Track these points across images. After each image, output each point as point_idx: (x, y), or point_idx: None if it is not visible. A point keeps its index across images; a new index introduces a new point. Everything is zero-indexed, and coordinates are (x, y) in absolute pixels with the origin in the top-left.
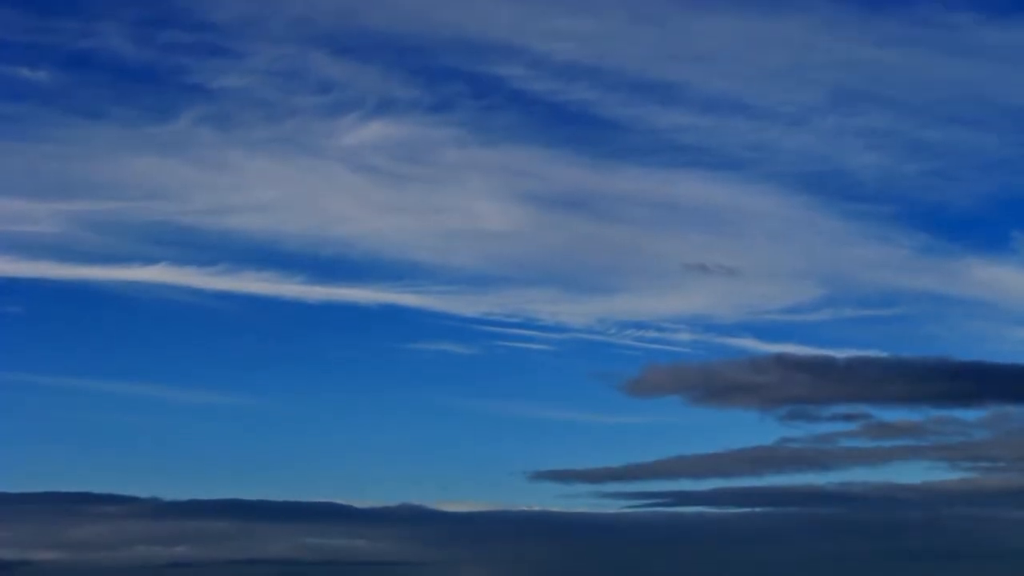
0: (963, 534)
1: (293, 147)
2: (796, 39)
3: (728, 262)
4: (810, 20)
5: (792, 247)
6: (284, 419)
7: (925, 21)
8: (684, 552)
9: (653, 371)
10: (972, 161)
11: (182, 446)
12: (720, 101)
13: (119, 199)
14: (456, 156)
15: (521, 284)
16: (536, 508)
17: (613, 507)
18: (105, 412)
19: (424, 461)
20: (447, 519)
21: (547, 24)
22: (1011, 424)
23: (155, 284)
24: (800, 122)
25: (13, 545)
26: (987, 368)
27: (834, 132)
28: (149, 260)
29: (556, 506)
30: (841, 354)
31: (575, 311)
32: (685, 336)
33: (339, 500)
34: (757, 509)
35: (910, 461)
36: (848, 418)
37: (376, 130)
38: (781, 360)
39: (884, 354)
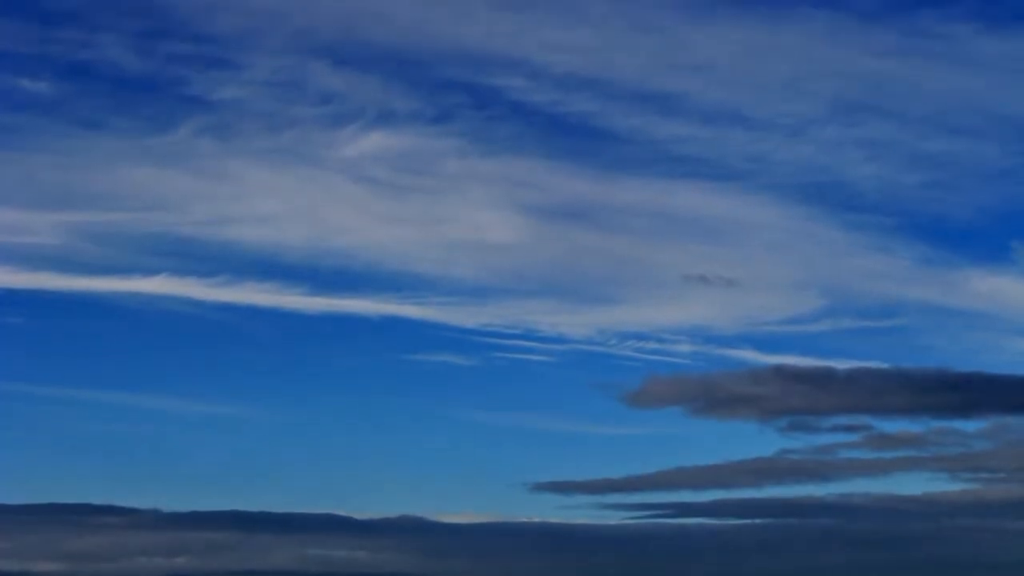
0: (964, 545)
1: (293, 158)
2: (795, 51)
3: (728, 273)
4: (809, 32)
5: (792, 258)
6: (285, 430)
7: (924, 32)
8: (685, 563)
9: (653, 382)
10: (972, 172)
11: (182, 457)
12: (720, 112)
13: (119, 210)
14: (456, 167)
15: (521, 295)
16: (536, 519)
17: (614, 518)
18: (105, 423)
19: (424, 472)
20: (447, 530)
21: (547, 36)
22: (1011, 435)
23: (156, 295)
24: (800, 133)
25: (14, 556)
26: (987, 379)
27: (834, 143)
28: (149, 271)
29: (556, 517)
30: (841, 365)
31: (575, 322)
32: (685, 347)
33: (340, 511)
34: (757, 520)
35: (911, 472)
36: (848, 429)
37: (376, 141)
38: (781, 371)
39: (884, 365)
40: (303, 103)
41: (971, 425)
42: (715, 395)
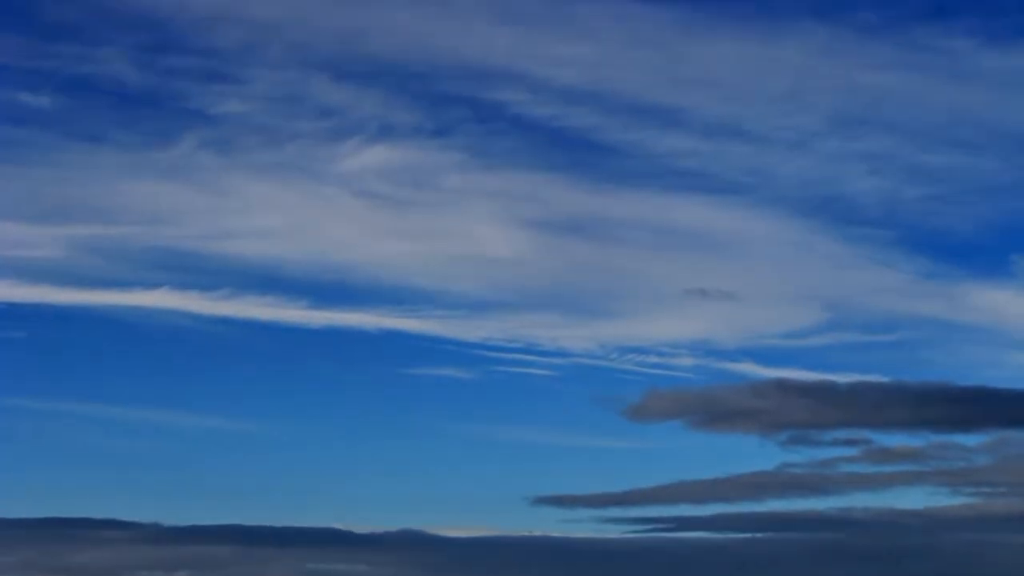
0: (965, 560)
1: (294, 172)
2: (795, 63)
3: (728, 287)
4: (809, 44)
5: (792, 272)
6: (285, 444)
7: (925, 46)
8: None
9: (654, 396)
10: (973, 186)
11: (183, 471)
12: (720, 126)
13: (120, 224)
14: (457, 181)
15: (522, 309)
16: (537, 533)
17: (614, 532)
18: (105, 437)
19: (425, 486)
20: (448, 544)
21: (548, 49)
22: (1013, 449)
23: (156, 309)
24: (800, 146)
25: (13, 571)
26: (989, 393)
27: (834, 156)
28: (150, 285)
29: (557, 531)
30: (842, 379)
31: (576, 336)
32: (686, 361)
33: (340, 525)
34: (758, 534)
35: (912, 486)
36: (849, 443)
37: (377, 155)
38: (782, 385)
39: (885, 379)
40: (304, 117)
41: (972, 439)
42: (716, 409)
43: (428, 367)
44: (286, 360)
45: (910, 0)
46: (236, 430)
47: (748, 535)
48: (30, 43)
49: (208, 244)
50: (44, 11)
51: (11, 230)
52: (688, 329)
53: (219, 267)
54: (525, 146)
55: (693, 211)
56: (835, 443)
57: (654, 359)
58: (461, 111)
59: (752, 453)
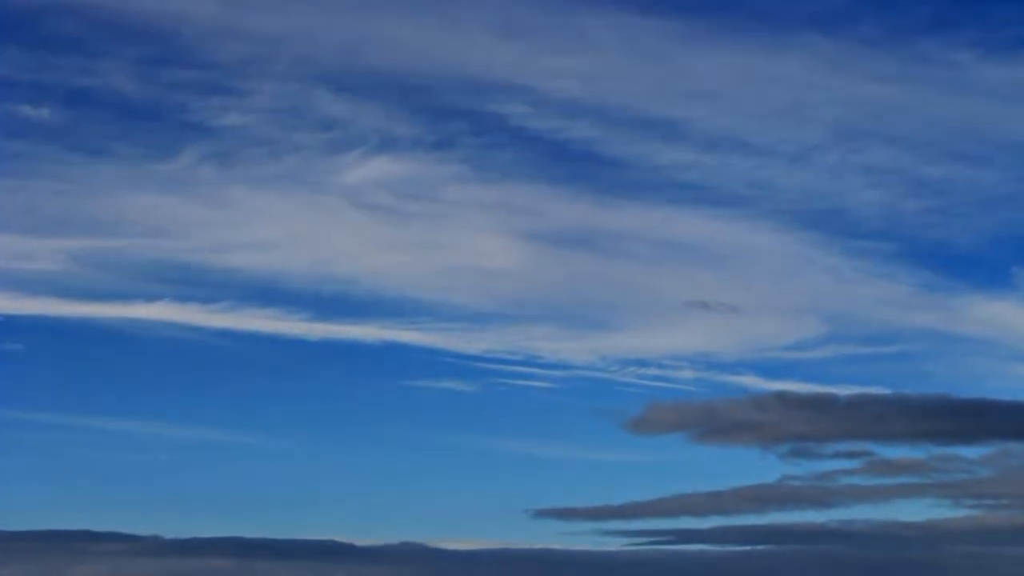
0: (966, 572)
1: (295, 184)
2: (797, 77)
3: (729, 299)
4: (811, 58)
5: (793, 284)
6: (285, 456)
7: (925, 58)
8: None
9: (655, 409)
10: (973, 198)
11: (183, 484)
12: (721, 139)
13: (121, 236)
14: (458, 193)
15: (522, 321)
16: (538, 546)
17: (615, 545)
18: (106, 450)
19: (425, 499)
20: (448, 557)
21: (548, 62)
22: (1014, 461)
23: (157, 321)
24: (801, 159)
25: None
26: (989, 405)
27: (835, 169)
28: (151, 297)
29: (558, 544)
30: (843, 391)
31: (577, 348)
32: (687, 373)
33: (340, 538)
34: (759, 547)
35: (913, 499)
36: (850, 455)
37: (378, 167)
38: (783, 397)
39: (886, 391)
40: (305, 130)
41: (973, 451)
42: (717, 421)
43: (429, 379)
44: (286, 373)
45: (911, 13)
46: (236, 442)
47: (749, 547)
48: (31, 56)
49: (209, 256)
50: (45, 24)
51: (11, 242)
52: (689, 341)
53: (220, 279)
54: (526, 159)
55: (694, 224)
56: (836, 455)
57: (655, 371)
58: (462, 124)
59: (753, 465)
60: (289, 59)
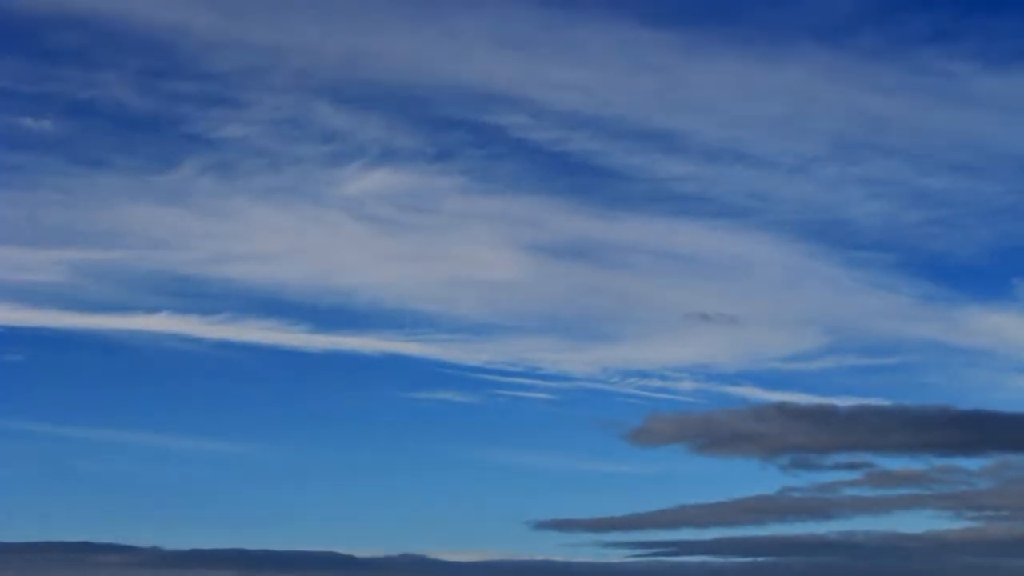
0: None
1: (296, 196)
2: (796, 88)
3: (730, 311)
4: (810, 70)
5: (793, 296)
6: (285, 468)
7: (925, 70)
8: None
9: (655, 420)
10: (973, 209)
11: (183, 495)
12: (721, 150)
13: (121, 248)
14: (458, 205)
15: (523, 333)
16: (538, 557)
17: (616, 556)
18: (106, 461)
19: (426, 510)
20: (449, 569)
21: (548, 74)
22: (1014, 473)
23: (157, 333)
24: (801, 171)
25: None
26: (990, 417)
27: (835, 181)
28: (151, 309)
29: (558, 555)
30: (843, 403)
31: (577, 360)
32: (687, 385)
33: (340, 550)
34: (760, 558)
35: (913, 510)
36: (851, 467)
37: (379, 179)
38: (783, 409)
39: (886, 403)
40: (305, 141)
41: (974, 463)
42: (717, 432)
43: (429, 391)
44: (287, 384)
45: (911, 24)
46: (236, 454)
47: (750, 559)
48: (32, 68)
49: (209, 268)
50: (46, 36)
51: (12, 253)
52: (689, 353)
53: (220, 291)
54: (526, 170)
55: (694, 235)
56: (836, 467)
57: (655, 383)
58: (462, 135)
59: (753, 477)
60: (290, 71)
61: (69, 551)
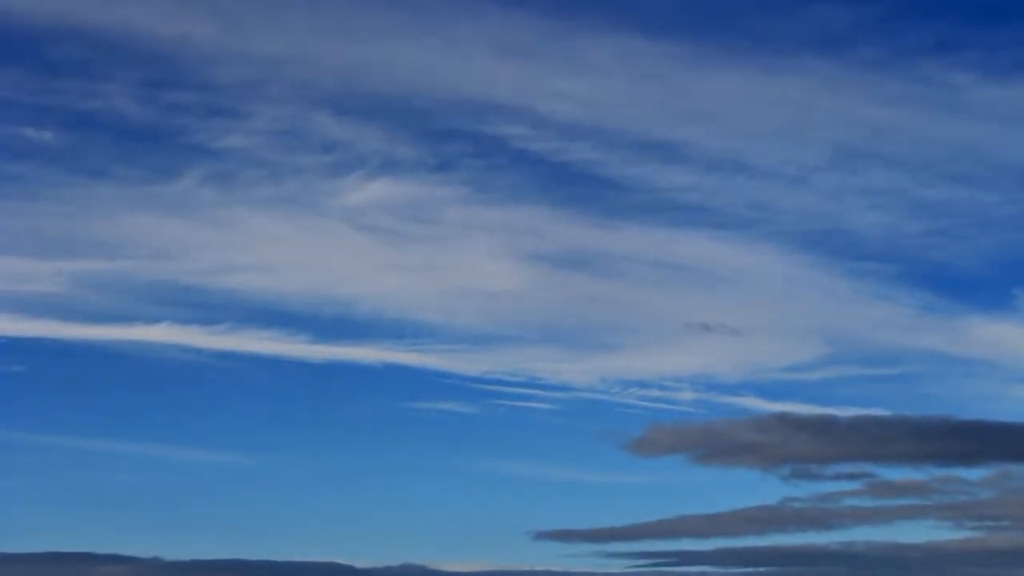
0: None
1: (296, 207)
2: (797, 98)
3: (730, 321)
4: (811, 80)
5: (794, 306)
6: (286, 478)
7: (926, 80)
8: None
9: (656, 430)
10: (974, 220)
11: (184, 506)
12: (722, 160)
13: (122, 258)
14: (459, 215)
15: (524, 343)
16: (539, 568)
17: (616, 567)
18: (106, 471)
19: (426, 521)
20: None
21: (549, 85)
22: (1015, 483)
23: (158, 343)
24: (801, 181)
25: None
26: (991, 427)
27: (835, 191)
28: (152, 319)
29: (559, 566)
30: (844, 413)
31: (578, 370)
32: (688, 395)
33: (341, 560)
34: (760, 569)
35: (914, 520)
36: (852, 477)
37: (379, 189)
38: (784, 419)
39: (887, 413)
40: (306, 152)
41: (975, 473)
42: (718, 443)
43: (430, 401)
44: (287, 394)
45: (910, 35)
46: (237, 464)
47: (750, 569)
48: (33, 79)
49: (210, 278)
50: (47, 47)
51: (13, 264)
52: (690, 363)
53: (221, 301)
54: (526, 180)
55: (694, 245)
56: (837, 477)
57: (656, 393)
58: (463, 146)
59: (754, 487)
60: (290, 81)
61: (70, 561)
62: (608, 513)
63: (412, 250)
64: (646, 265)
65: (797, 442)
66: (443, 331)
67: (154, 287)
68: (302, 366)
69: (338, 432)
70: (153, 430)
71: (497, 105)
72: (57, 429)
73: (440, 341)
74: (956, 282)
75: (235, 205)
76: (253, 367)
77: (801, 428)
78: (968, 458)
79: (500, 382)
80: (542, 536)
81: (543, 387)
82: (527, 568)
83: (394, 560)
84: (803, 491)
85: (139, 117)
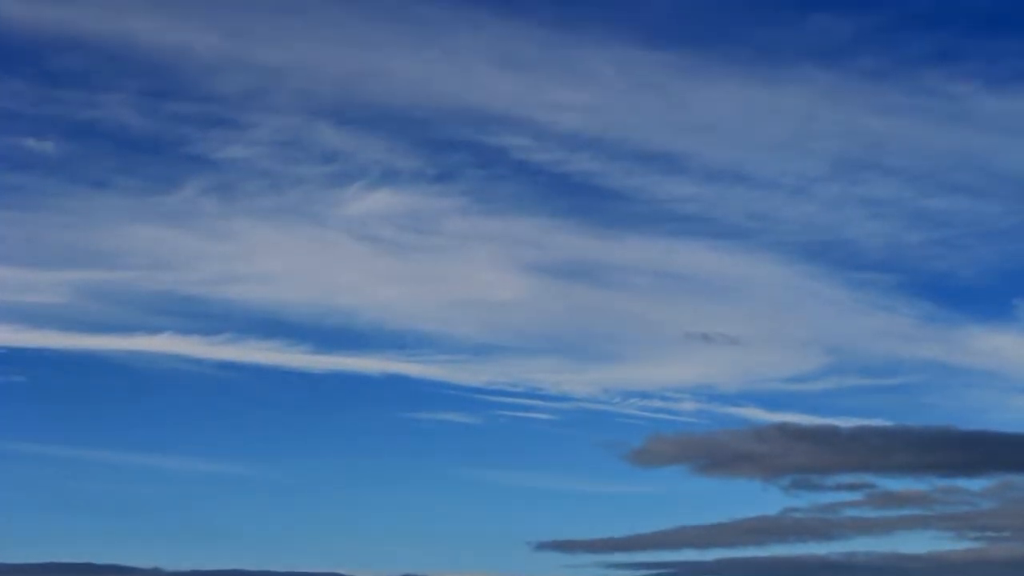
0: None
1: (297, 217)
2: (797, 109)
3: (731, 331)
4: (811, 90)
5: (795, 316)
6: (287, 488)
7: (926, 90)
8: None
9: (657, 441)
10: (975, 230)
11: (184, 516)
12: (722, 171)
13: (123, 268)
14: (459, 226)
15: (524, 353)
16: None
17: None
18: (107, 482)
19: (427, 531)
20: None
21: (549, 95)
22: (1016, 493)
23: (159, 354)
24: (802, 191)
25: None
26: (992, 437)
27: (836, 201)
28: (153, 330)
29: None
30: (845, 423)
31: (578, 380)
32: (688, 405)
33: (342, 570)
34: None
35: (915, 531)
36: (852, 487)
37: (380, 200)
38: (784, 429)
39: (888, 423)
40: (306, 162)
41: (976, 483)
42: (718, 453)
43: (430, 411)
44: (288, 405)
45: (911, 45)
46: (238, 475)
47: None
48: (35, 89)
49: (211, 289)
50: (48, 58)
51: (14, 275)
52: (690, 373)
53: (222, 312)
54: (527, 191)
55: (695, 256)
56: (838, 487)
57: (657, 403)
58: (463, 156)
59: (755, 498)
60: (291, 92)
61: (71, 572)
62: (609, 523)
63: (413, 260)
64: (646, 275)
65: (798, 452)
66: (444, 341)
67: (155, 297)
68: (303, 376)
69: (339, 442)
70: (154, 440)
71: (497, 116)
72: (58, 439)
73: (441, 351)
74: (957, 292)
75: (236, 216)
76: (254, 377)
77: (802, 438)
78: (969, 468)
79: (501, 392)
80: (543, 546)
81: (544, 397)
82: None
83: (395, 570)
84: (804, 501)
85: (140, 127)
